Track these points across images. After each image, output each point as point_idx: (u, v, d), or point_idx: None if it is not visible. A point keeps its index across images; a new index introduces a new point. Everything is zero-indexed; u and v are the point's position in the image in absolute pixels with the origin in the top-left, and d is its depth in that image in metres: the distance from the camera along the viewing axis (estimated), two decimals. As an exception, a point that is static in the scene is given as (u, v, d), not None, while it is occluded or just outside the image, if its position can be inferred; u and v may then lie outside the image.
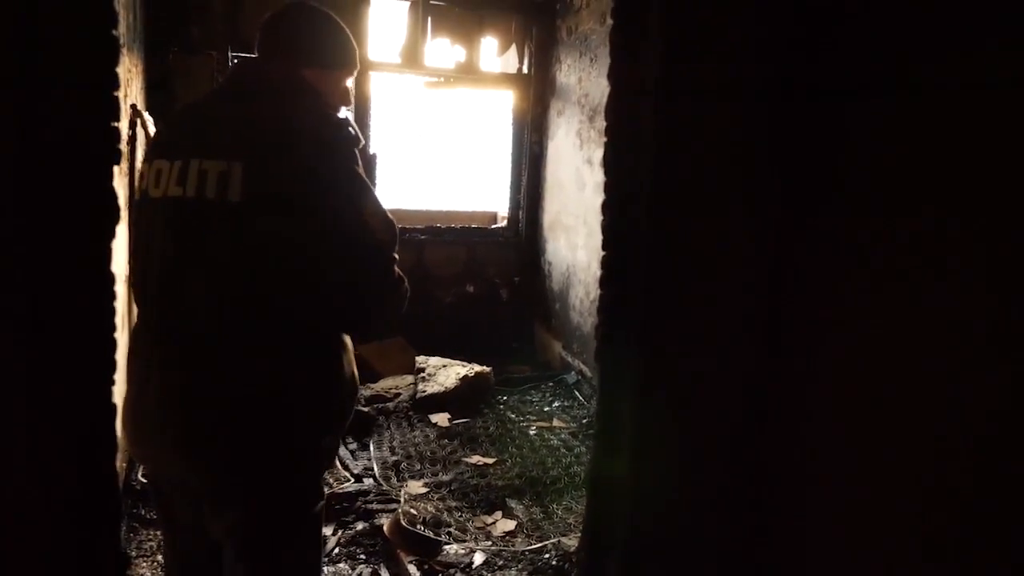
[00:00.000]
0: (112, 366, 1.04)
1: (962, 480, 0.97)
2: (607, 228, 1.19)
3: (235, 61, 1.69)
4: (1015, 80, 0.88)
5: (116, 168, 1.02)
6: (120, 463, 2.79)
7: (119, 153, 1.02)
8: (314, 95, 1.66)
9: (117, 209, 1.02)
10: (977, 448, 0.95)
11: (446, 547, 2.90)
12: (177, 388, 1.50)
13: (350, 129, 1.58)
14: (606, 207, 1.21)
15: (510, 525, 3.17)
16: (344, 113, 1.75)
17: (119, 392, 1.15)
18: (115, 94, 1.00)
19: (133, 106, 3.21)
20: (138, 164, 3.10)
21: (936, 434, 1.00)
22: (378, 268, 1.57)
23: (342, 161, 1.52)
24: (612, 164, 1.19)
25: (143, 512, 3.00)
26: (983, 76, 0.93)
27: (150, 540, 2.83)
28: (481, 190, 6.39)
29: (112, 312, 1.03)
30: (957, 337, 0.96)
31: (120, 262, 2.72)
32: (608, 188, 1.20)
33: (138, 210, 1.62)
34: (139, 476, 3.09)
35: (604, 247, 1.22)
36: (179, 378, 1.50)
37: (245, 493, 1.57)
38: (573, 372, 5.01)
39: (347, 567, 2.76)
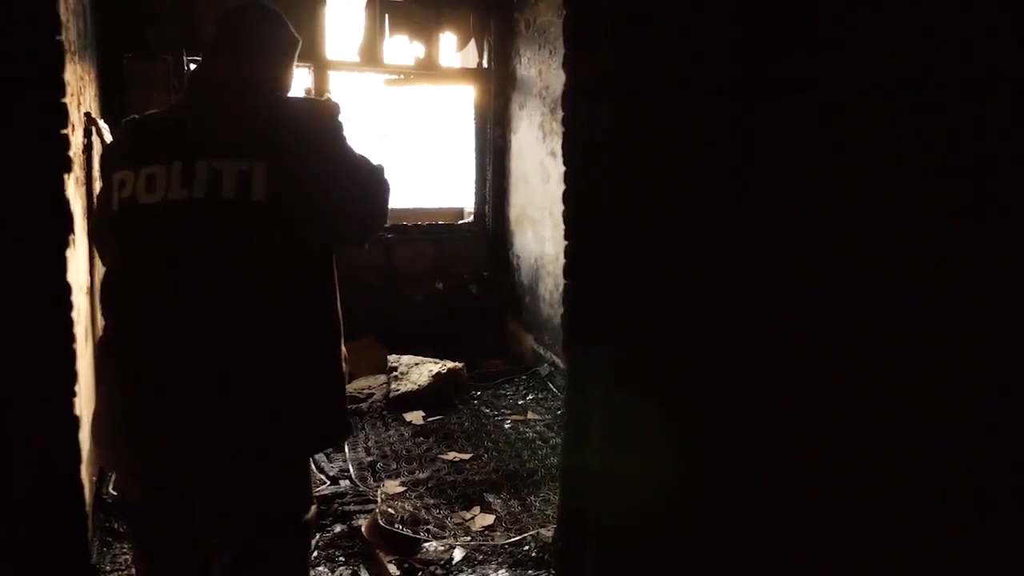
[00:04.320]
0: (73, 377, 1.02)
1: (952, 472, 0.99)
2: (568, 218, 1.20)
3: (199, 62, 1.72)
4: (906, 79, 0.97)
5: (68, 176, 1.01)
6: (90, 476, 2.75)
7: (70, 161, 1.00)
8: (288, 88, 1.81)
9: (71, 218, 1.01)
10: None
11: (425, 545, 2.90)
12: (180, 389, 1.47)
13: (339, 108, 1.70)
14: (566, 197, 1.21)
15: (489, 519, 3.18)
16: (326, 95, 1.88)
17: (86, 405, 1.13)
18: (62, 100, 0.98)
19: (87, 114, 3.15)
20: (96, 171, 3.03)
21: (921, 419, 1.02)
22: (383, 200, 1.79)
23: (345, 141, 1.66)
24: (570, 154, 1.19)
25: (116, 526, 2.95)
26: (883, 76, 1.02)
27: (124, 554, 2.79)
28: (446, 186, 6.39)
29: (70, 322, 1.02)
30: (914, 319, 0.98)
31: (79, 272, 2.67)
32: (567, 178, 1.21)
33: (119, 218, 1.56)
34: (110, 490, 3.04)
35: (566, 237, 1.22)
36: (180, 379, 1.47)
37: (247, 495, 1.56)
38: (546, 364, 5.03)
39: (326, 570, 2.75)
